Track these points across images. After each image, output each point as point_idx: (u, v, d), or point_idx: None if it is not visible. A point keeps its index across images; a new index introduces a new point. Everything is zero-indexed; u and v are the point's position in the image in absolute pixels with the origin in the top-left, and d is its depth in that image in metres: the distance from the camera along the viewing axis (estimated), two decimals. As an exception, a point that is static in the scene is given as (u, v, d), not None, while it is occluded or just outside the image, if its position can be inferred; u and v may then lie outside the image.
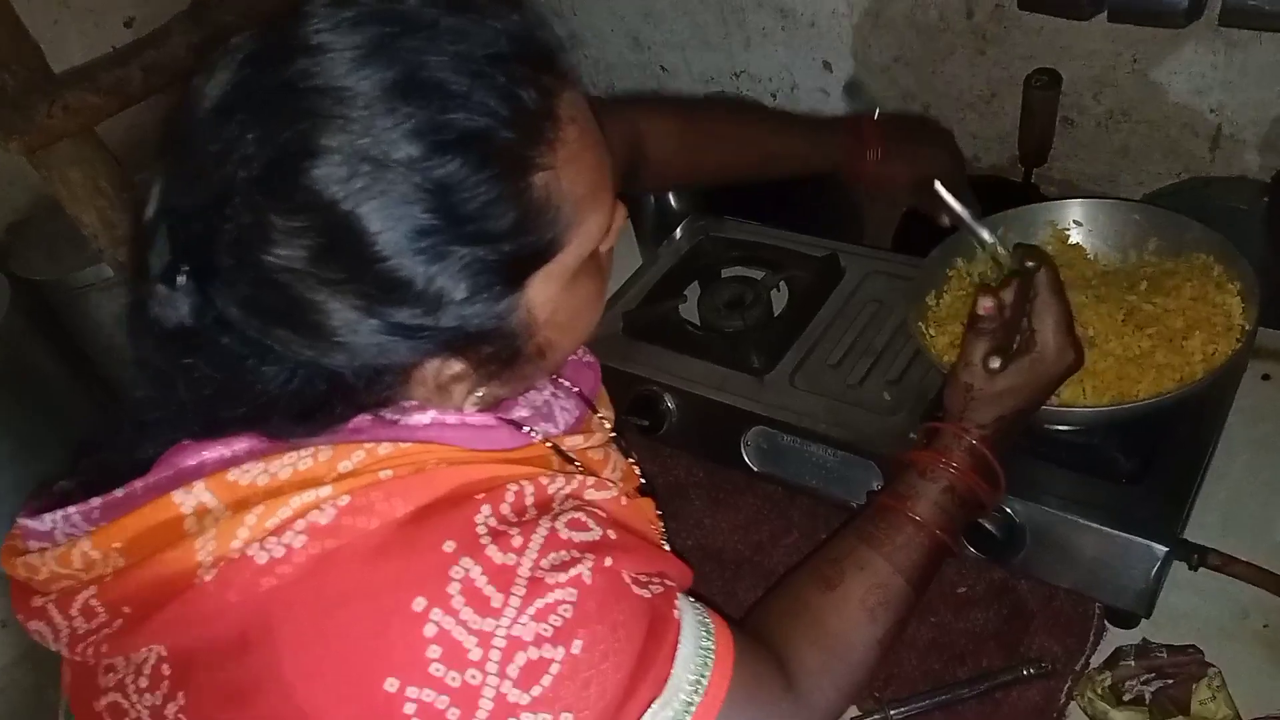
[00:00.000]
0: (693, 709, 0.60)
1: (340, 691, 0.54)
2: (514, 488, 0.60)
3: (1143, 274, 0.98)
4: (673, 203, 1.40)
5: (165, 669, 0.57)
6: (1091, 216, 1.04)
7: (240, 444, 0.60)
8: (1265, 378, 1.09)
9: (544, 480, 0.62)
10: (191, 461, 0.59)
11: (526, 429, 0.66)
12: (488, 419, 0.63)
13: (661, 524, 0.74)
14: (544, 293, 0.59)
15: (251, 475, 0.57)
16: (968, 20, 1.27)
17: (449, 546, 0.56)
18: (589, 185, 0.58)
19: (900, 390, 1.05)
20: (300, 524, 0.56)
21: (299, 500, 0.56)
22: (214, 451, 0.60)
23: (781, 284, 1.23)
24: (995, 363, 0.73)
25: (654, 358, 1.16)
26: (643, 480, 0.81)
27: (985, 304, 0.74)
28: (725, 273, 1.27)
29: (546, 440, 0.67)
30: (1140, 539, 0.87)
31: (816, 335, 1.15)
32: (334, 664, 0.55)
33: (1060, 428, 0.95)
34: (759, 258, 1.27)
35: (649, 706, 0.59)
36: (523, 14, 0.56)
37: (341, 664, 0.54)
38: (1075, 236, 1.04)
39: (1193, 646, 0.86)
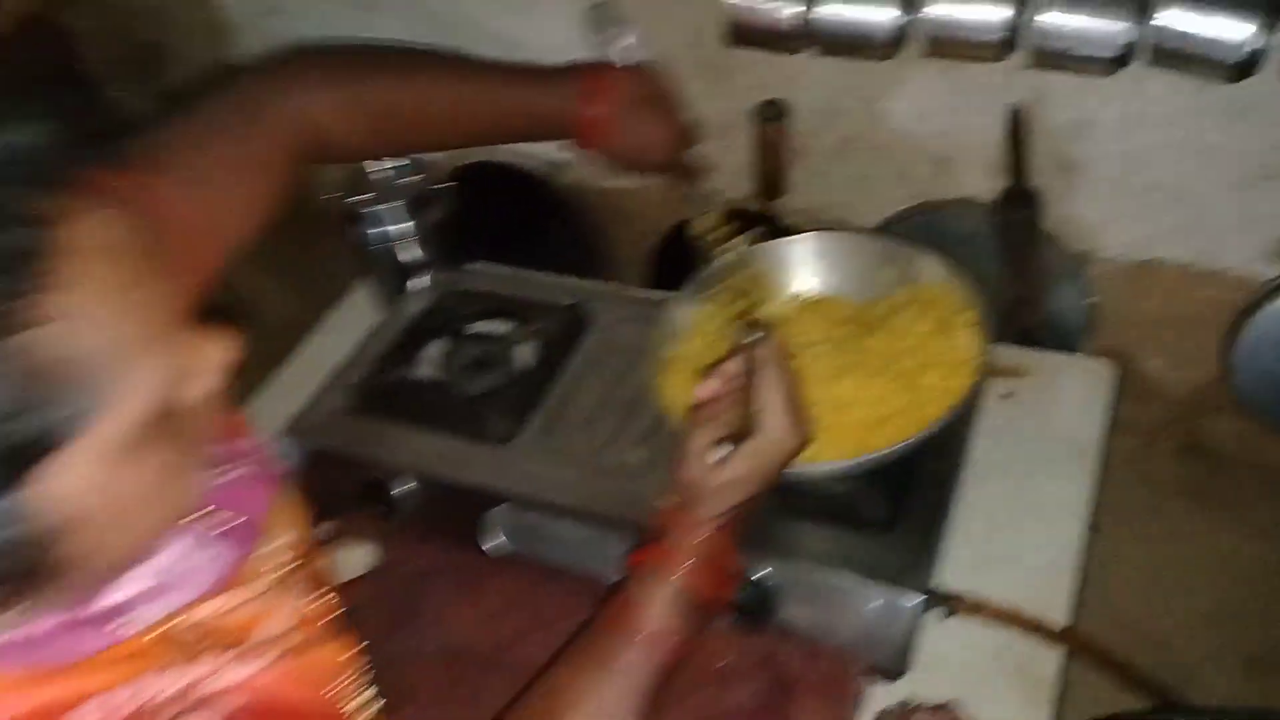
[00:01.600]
0: None
1: None
2: (91, 707, 0.47)
3: (877, 312, 0.96)
4: (406, 255, 1.29)
5: None
6: (825, 248, 1.03)
7: None
8: (1005, 395, 1.10)
9: (133, 687, 0.49)
10: None
11: (120, 620, 0.52)
12: (51, 625, 0.49)
13: (359, 661, 0.63)
14: (75, 483, 0.43)
15: None
16: (692, 51, 1.22)
17: None
18: (135, 331, 0.43)
19: (653, 449, 1.01)
20: None
21: None
22: None
23: (527, 339, 1.16)
24: (718, 453, 0.67)
25: (385, 435, 1.07)
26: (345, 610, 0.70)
27: (709, 386, 0.67)
28: (468, 329, 1.19)
29: (151, 627, 0.53)
30: (893, 590, 0.85)
31: (564, 393, 1.09)
32: None
33: (806, 485, 0.92)
34: (504, 310, 1.21)
35: None
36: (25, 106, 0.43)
37: None
38: (811, 274, 1.03)
39: (953, 700, 0.84)
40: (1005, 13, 0.91)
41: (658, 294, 1.18)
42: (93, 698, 0.47)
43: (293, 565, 0.65)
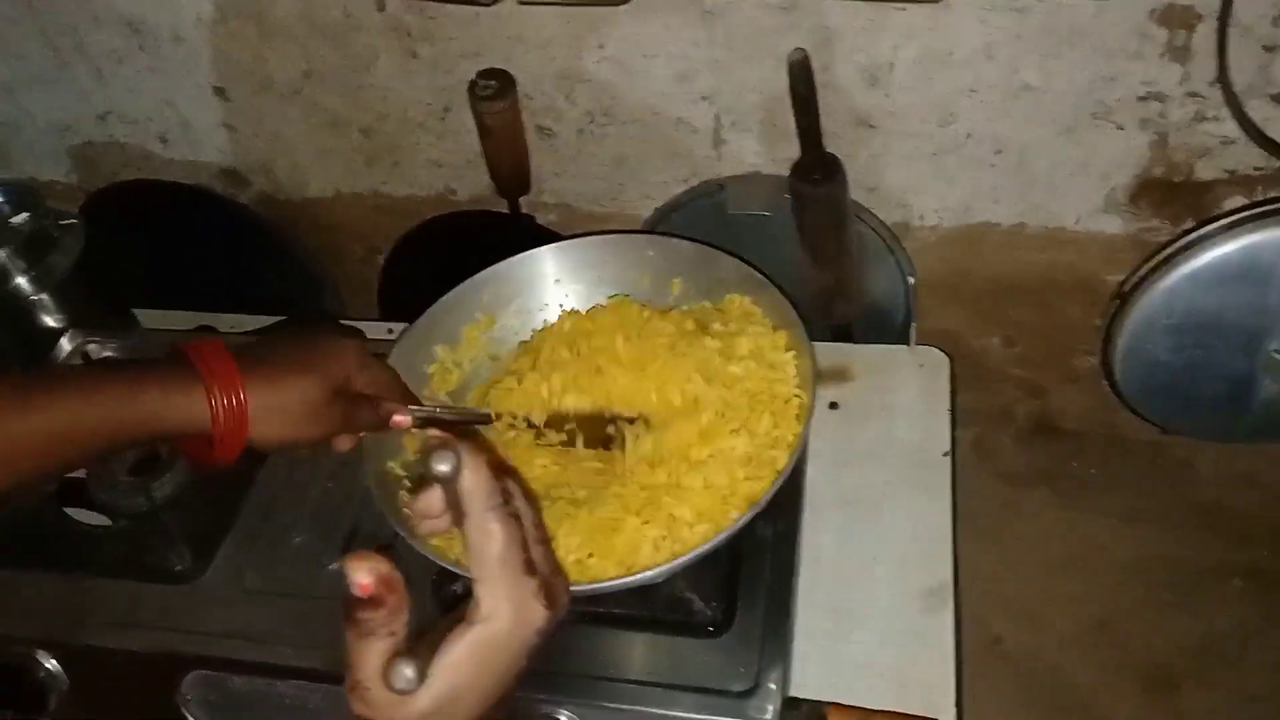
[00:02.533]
0: None
1: None
2: None
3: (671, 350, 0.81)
4: (40, 318, 1.04)
5: None
6: (594, 260, 0.88)
7: None
8: (833, 406, 1.00)
9: None
10: None
11: None
12: None
13: None
14: None
15: None
16: (380, 13, 1.05)
17: None
18: None
19: (398, 557, 0.80)
20: None
21: None
22: None
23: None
24: (405, 678, 0.45)
25: (18, 595, 0.84)
26: None
27: (359, 579, 0.45)
28: None
29: None
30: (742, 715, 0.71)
31: (269, 492, 0.88)
32: None
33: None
34: None
35: None
36: None
37: None
38: (569, 291, 0.89)
39: None
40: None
41: (393, 326, 0.98)
42: None
43: None
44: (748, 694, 0.71)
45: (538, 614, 0.49)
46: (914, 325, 1.14)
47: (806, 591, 0.83)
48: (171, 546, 0.86)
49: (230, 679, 0.78)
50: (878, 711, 0.75)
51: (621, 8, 0.93)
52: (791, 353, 0.81)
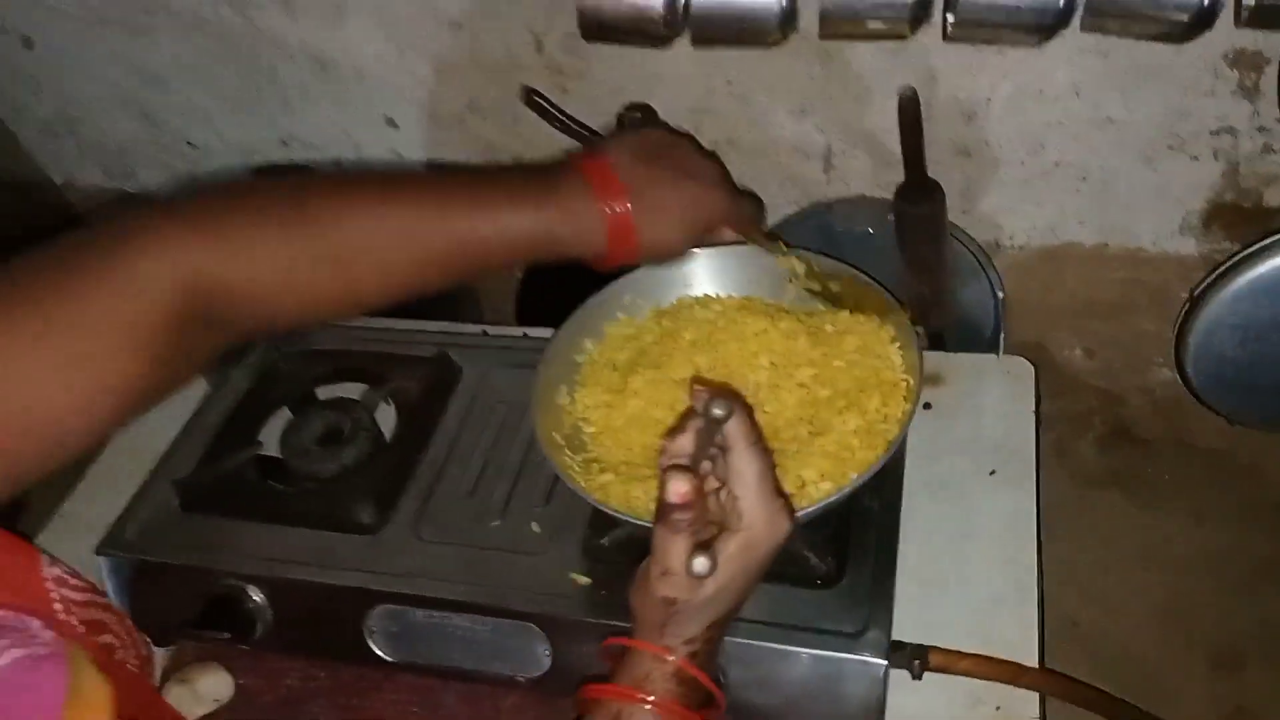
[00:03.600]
0: None
1: None
2: None
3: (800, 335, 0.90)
4: None
5: None
6: (721, 267, 0.96)
7: None
8: (926, 407, 1.06)
9: None
10: None
11: None
12: None
13: None
14: None
15: None
16: (538, 54, 1.14)
17: None
18: None
19: (551, 516, 0.91)
20: None
21: None
22: None
23: (387, 400, 1.05)
24: (704, 565, 0.57)
25: (228, 537, 0.94)
26: None
27: (679, 489, 0.57)
28: (314, 397, 1.07)
29: None
30: (853, 656, 0.78)
31: (439, 462, 0.98)
32: None
33: None
34: (354, 369, 1.09)
35: None
36: None
37: None
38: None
39: None
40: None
41: (533, 331, 1.10)
42: None
43: None
44: (858, 635, 0.79)
45: (783, 525, 0.61)
46: (1002, 336, 1.19)
47: (904, 562, 0.88)
48: (358, 503, 0.93)
49: (410, 612, 0.87)
50: (970, 654, 0.83)
51: (751, 55, 1.02)
52: (897, 344, 0.89)
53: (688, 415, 0.63)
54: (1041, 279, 1.18)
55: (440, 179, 0.73)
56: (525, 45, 1.15)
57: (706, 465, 0.61)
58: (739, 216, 0.84)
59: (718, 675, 0.65)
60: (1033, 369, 1.07)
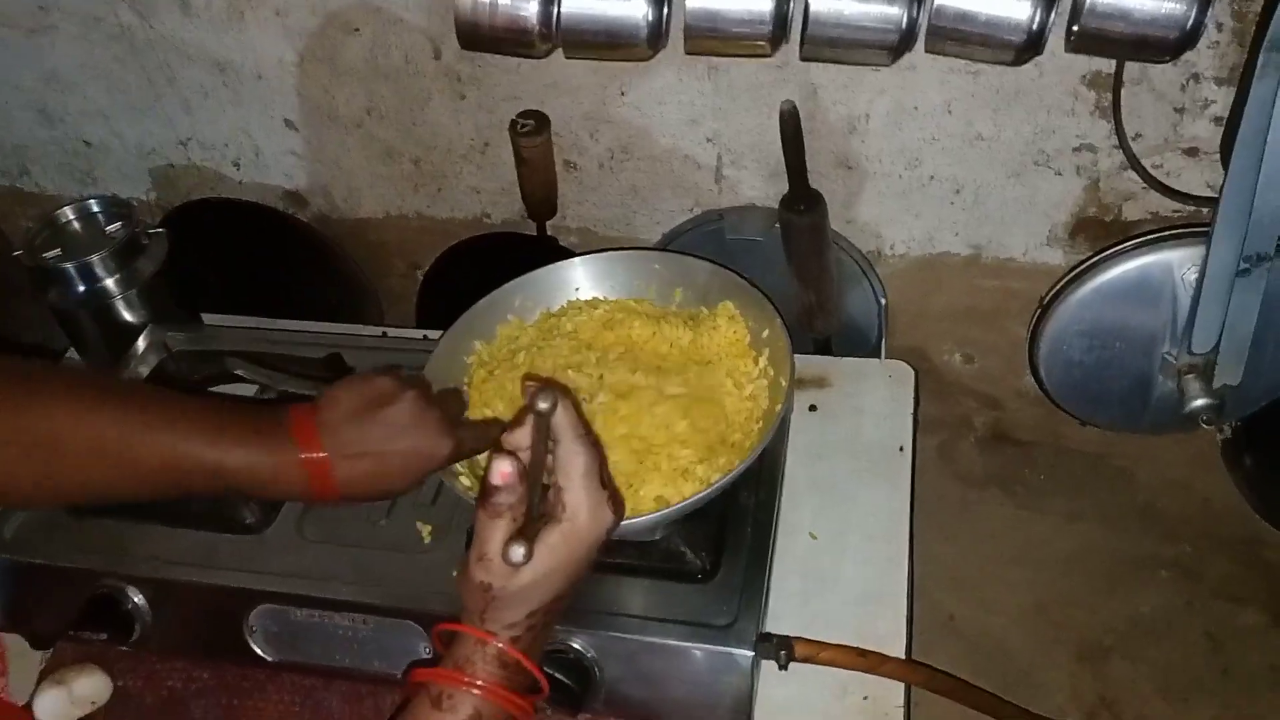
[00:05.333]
0: None
1: None
2: None
3: (673, 330, 0.91)
4: (121, 315, 1.13)
5: None
6: (609, 272, 0.98)
7: None
8: (812, 409, 1.08)
9: None
10: None
11: None
12: None
13: None
14: None
15: None
16: (436, 61, 1.15)
17: None
18: None
19: (436, 516, 0.90)
20: None
21: None
22: None
23: (279, 400, 1.02)
24: (519, 554, 0.58)
25: (110, 539, 0.92)
26: None
27: (502, 469, 0.58)
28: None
29: None
30: (721, 648, 0.79)
31: None
32: None
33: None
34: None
35: None
36: None
37: None
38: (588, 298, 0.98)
39: None
40: (770, 3, 0.87)
41: (429, 334, 1.09)
42: None
43: None
44: (728, 627, 0.79)
45: (607, 517, 0.62)
46: (885, 341, 1.23)
47: (782, 556, 0.91)
48: (242, 504, 0.90)
49: (292, 612, 0.86)
50: (834, 645, 0.85)
51: (647, 66, 1.04)
52: (768, 349, 0.90)
53: (523, 411, 0.64)
54: (921, 287, 1.21)
55: (162, 399, 0.71)
56: (424, 53, 1.16)
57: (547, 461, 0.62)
58: (459, 455, 0.78)
59: (542, 661, 0.65)
60: (913, 372, 1.10)
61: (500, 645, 0.60)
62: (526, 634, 0.61)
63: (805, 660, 0.84)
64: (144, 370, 1.08)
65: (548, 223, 1.25)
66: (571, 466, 0.60)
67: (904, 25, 0.85)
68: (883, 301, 1.20)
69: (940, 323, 1.24)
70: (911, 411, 1.07)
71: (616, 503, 0.64)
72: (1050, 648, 1.19)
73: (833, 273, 1.16)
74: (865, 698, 0.85)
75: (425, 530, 0.89)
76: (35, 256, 1.10)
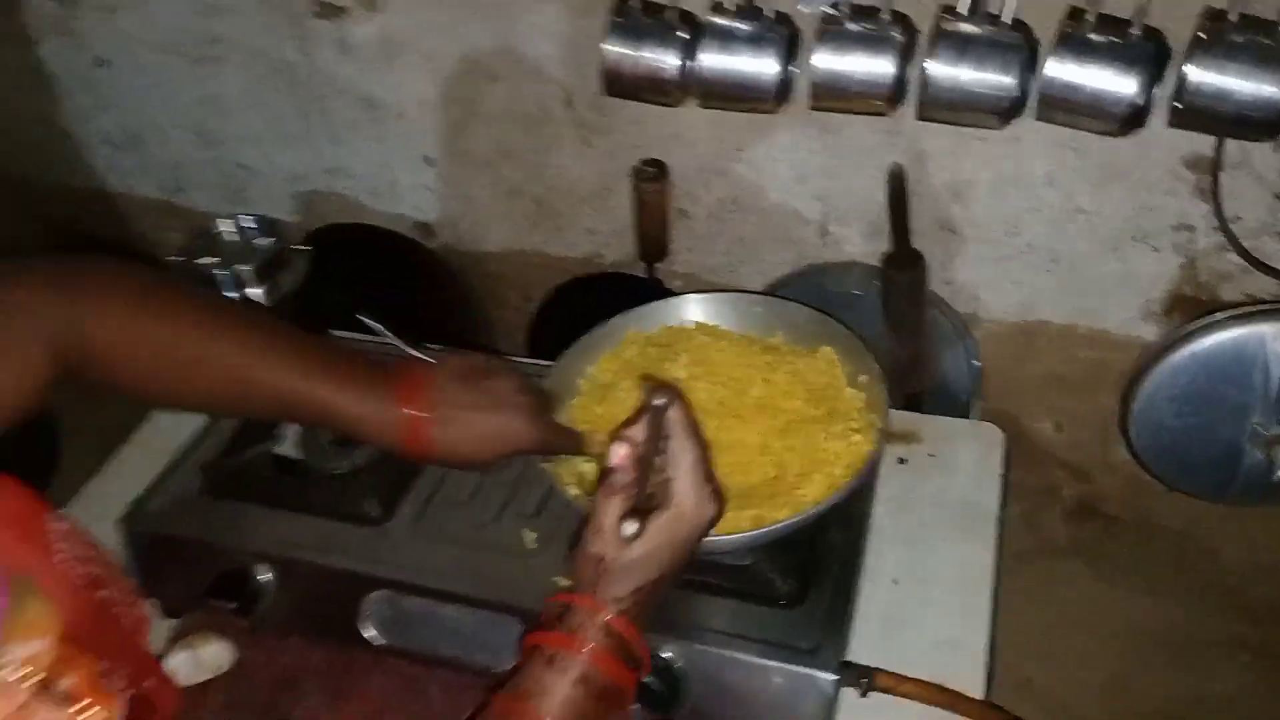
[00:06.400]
0: None
1: None
2: None
3: (775, 369, 0.97)
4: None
5: None
6: (715, 311, 1.04)
7: None
8: (901, 461, 1.11)
9: None
10: None
11: None
12: None
13: None
14: None
15: None
16: (567, 109, 1.24)
17: None
18: None
19: (543, 526, 0.96)
20: None
21: None
22: None
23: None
24: (630, 529, 0.65)
25: (242, 520, 1.00)
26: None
27: (619, 453, 0.66)
28: None
29: None
30: (805, 670, 0.84)
31: (441, 470, 1.02)
32: None
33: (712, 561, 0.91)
34: None
35: None
36: None
37: None
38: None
39: None
40: (891, 66, 0.95)
41: (539, 363, 1.15)
42: None
43: (38, 678, 0.56)
44: (812, 652, 0.84)
45: (710, 508, 0.69)
46: (976, 404, 1.27)
47: (865, 600, 0.93)
48: (365, 498, 0.98)
49: (403, 599, 0.93)
50: (915, 679, 0.88)
51: (763, 124, 1.11)
52: (865, 393, 0.94)
53: (642, 408, 0.71)
54: (1015, 352, 1.25)
55: (289, 334, 0.80)
56: (556, 101, 1.25)
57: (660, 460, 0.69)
58: (543, 445, 0.87)
59: (642, 644, 0.71)
60: (1003, 435, 1.11)
61: (609, 616, 0.66)
62: (632, 608, 0.67)
63: (885, 691, 0.87)
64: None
65: (657, 266, 1.32)
66: (681, 459, 0.67)
67: (1015, 92, 0.92)
68: (976, 364, 1.24)
69: (1032, 389, 1.27)
70: (1000, 473, 1.08)
71: (719, 498, 0.70)
72: (1123, 718, 1.19)
73: (928, 331, 1.21)
74: None
75: (530, 536, 0.95)
76: (191, 261, 1.22)
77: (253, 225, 1.22)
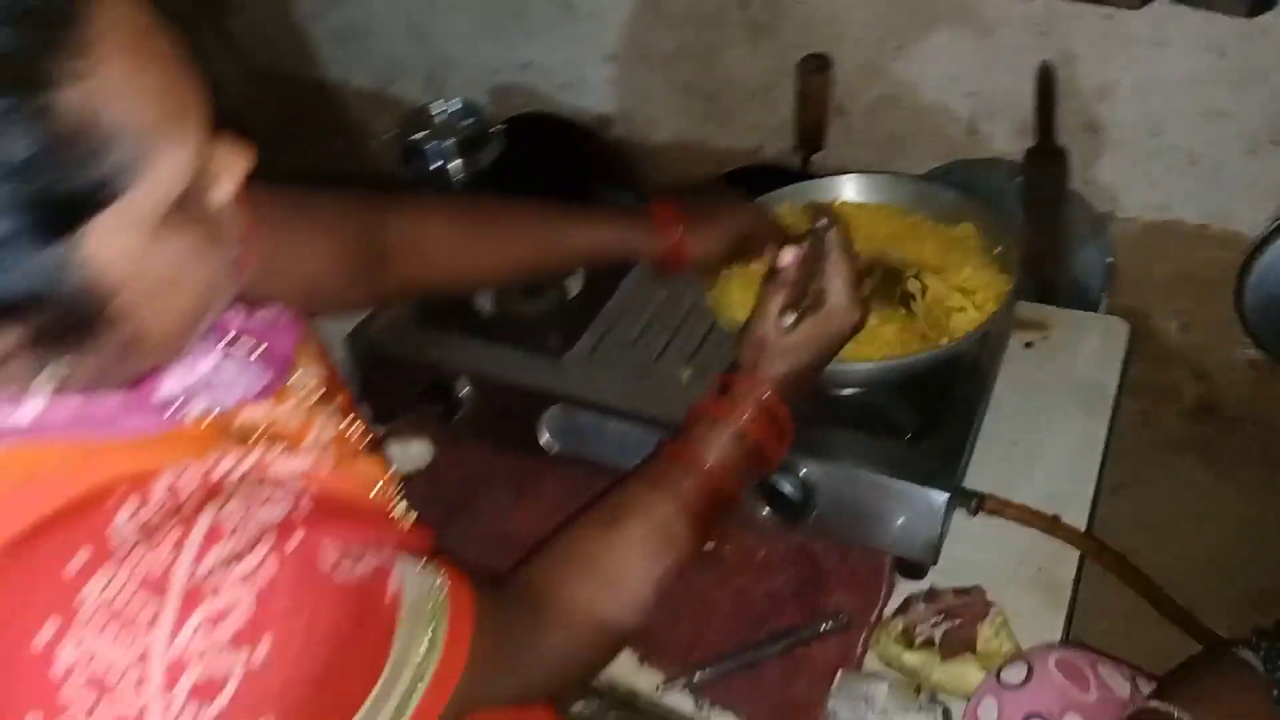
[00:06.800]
0: (428, 674, 0.57)
1: None
2: (166, 478, 0.52)
3: (918, 234, 1.06)
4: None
5: None
6: (863, 189, 1.12)
7: None
8: (1028, 345, 1.18)
9: (204, 464, 0.54)
10: None
11: (176, 407, 0.56)
12: (114, 402, 0.53)
13: (394, 487, 0.67)
14: (113, 246, 0.47)
15: None
16: (742, 11, 1.34)
17: (78, 561, 0.47)
18: (156, 112, 0.47)
19: (697, 364, 1.07)
20: None
21: None
22: None
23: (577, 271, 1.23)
24: (789, 318, 0.77)
25: (447, 344, 1.15)
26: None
27: (786, 256, 0.77)
28: None
29: (208, 416, 0.58)
30: (923, 487, 0.92)
31: (613, 316, 1.17)
32: None
33: (845, 391, 1.01)
34: None
35: (371, 687, 0.54)
36: None
37: None
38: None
39: (976, 587, 0.93)
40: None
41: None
42: (171, 469, 0.52)
43: (322, 393, 0.68)
44: (929, 474, 0.92)
45: (856, 313, 0.80)
46: (1106, 300, 1.32)
47: (982, 455, 1.01)
48: (549, 333, 1.12)
49: (576, 413, 1.05)
50: (1018, 504, 0.97)
51: (919, 17, 1.19)
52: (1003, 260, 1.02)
53: (808, 231, 0.81)
54: (1148, 251, 1.29)
55: (560, 209, 0.96)
56: (732, 3, 1.35)
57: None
58: (765, 224, 1.03)
59: (788, 417, 0.81)
60: (1128, 327, 1.18)
61: (763, 391, 0.79)
62: (782, 387, 0.79)
63: (992, 512, 0.96)
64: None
65: (812, 159, 1.40)
66: (836, 271, 0.78)
67: None
68: (1109, 260, 1.28)
69: (1162, 288, 1.31)
70: (1121, 364, 1.15)
71: (863, 308, 0.81)
72: (1218, 594, 1.21)
73: (1065, 225, 1.26)
74: (1039, 569, 0.97)
75: (686, 372, 1.06)
76: (406, 135, 1.37)
77: (458, 108, 1.38)
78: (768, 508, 0.97)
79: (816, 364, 0.81)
